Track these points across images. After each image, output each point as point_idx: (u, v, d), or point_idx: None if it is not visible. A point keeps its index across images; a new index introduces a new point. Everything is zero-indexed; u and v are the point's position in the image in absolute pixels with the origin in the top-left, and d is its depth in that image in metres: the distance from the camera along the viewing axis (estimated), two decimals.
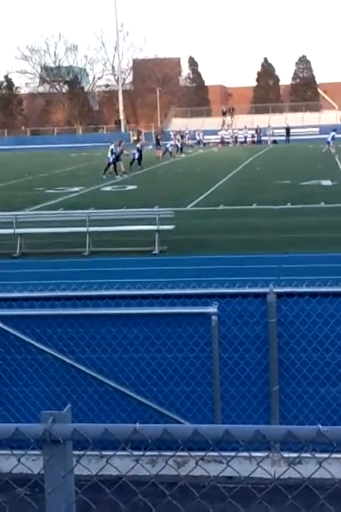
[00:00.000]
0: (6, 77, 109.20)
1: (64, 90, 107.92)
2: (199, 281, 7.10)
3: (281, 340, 6.51)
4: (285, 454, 6.02)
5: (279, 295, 6.47)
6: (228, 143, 75.98)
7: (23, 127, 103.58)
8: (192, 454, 2.98)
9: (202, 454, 2.76)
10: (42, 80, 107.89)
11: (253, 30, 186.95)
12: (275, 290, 6.47)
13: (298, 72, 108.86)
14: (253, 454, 3.53)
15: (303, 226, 20.45)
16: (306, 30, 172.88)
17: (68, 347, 6.70)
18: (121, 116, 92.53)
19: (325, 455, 2.68)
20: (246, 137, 76.87)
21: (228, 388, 6.63)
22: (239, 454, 5.29)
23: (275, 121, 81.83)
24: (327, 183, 32.03)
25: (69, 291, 6.76)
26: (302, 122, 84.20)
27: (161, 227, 17.79)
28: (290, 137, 74.80)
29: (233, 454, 2.71)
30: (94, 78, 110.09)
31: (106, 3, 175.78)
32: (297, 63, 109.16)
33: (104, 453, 2.99)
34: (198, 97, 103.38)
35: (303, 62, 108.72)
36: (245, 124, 79.62)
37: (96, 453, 2.62)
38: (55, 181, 37.95)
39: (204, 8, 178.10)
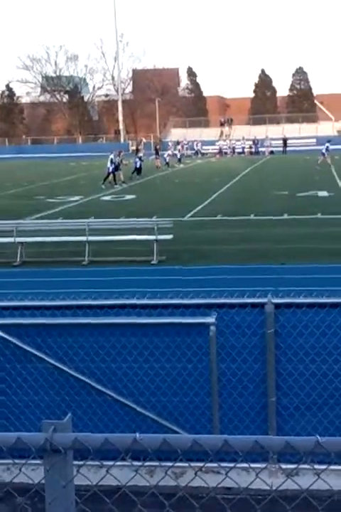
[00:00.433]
0: (7, 86, 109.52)
1: (64, 100, 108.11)
2: (198, 291, 7.13)
3: (279, 351, 6.53)
4: (283, 466, 6.03)
5: (277, 306, 6.48)
6: (226, 153, 76.08)
7: (23, 136, 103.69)
8: (191, 464, 2.99)
9: (200, 464, 2.77)
10: (43, 90, 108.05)
11: (251, 41, 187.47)
12: (274, 301, 6.48)
13: (295, 83, 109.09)
14: (252, 465, 3.54)
15: (300, 237, 20.49)
16: (303, 42, 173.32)
17: (67, 356, 6.71)
18: (121, 126, 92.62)
19: (323, 466, 2.70)
20: (243, 148, 77.02)
21: (226, 399, 6.64)
22: (237, 465, 5.30)
23: (272, 132, 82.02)
24: (324, 194, 32.09)
25: (69, 301, 6.77)
26: (299, 133, 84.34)
27: (160, 237, 17.81)
28: (288, 148, 74.99)
29: (232, 464, 2.73)
30: (94, 88, 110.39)
31: (106, 13, 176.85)
32: (294, 75, 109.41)
33: (104, 463, 3.01)
34: (196, 108, 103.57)
35: (300, 74, 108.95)
36: (243, 134, 79.77)
37: (96, 463, 2.63)
38: (55, 190, 37.97)
39: (202, 20, 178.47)
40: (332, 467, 3.47)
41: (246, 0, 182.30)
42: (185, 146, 74.71)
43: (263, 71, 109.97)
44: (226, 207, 28.11)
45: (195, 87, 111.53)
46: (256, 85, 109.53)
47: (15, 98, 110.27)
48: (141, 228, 18.55)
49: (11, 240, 18.17)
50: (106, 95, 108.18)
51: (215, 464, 4.67)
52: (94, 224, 19.00)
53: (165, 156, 55.41)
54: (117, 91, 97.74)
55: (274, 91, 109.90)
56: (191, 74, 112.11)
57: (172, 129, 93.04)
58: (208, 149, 77.62)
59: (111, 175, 39.36)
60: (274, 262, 16.59)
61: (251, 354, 6.59)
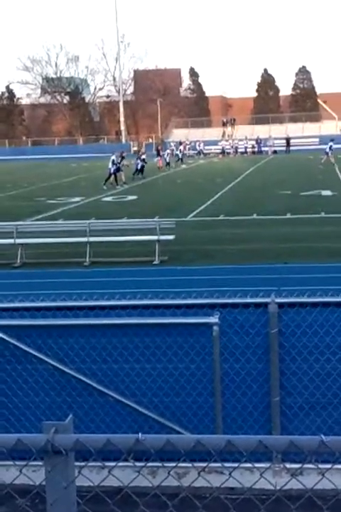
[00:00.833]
0: (7, 87, 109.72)
1: (65, 101, 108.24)
2: (200, 291, 7.10)
3: (282, 351, 6.50)
4: (287, 465, 5.99)
5: (280, 305, 6.46)
6: (228, 153, 76.12)
7: (24, 137, 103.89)
8: (194, 464, 2.96)
9: (203, 464, 2.75)
10: (44, 91, 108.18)
11: (253, 41, 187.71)
12: (277, 300, 6.46)
13: (298, 82, 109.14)
14: (255, 464, 3.51)
15: (304, 236, 20.46)
16: (306, 41, 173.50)
17: (69, 357, 6.69)
18: (122, 127, 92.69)
19: (328, 466, 2.67)
20: (246, 148, 77.06)
21: (229, 399, 6.61)
22: (241, 465, 5.27)
23: (275, 132, 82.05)
24: (327, 193, 32.07)
25: (70, 302, 6.75)
26: (303, 132, 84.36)
27: (162, 238, 17.79)
28: (291, 147, 74.99)
29: (235, 464, 2.71)
30: (95, 89, 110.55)
31: (107, 14, 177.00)
32: (297, 74, 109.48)
33: (106, 464, 2.98)
34: (198, 108, 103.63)
35: (303, 73, 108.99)
36: (245, 134, 79.82)
37: (98, 464, 2.61)
38: (55, 191, 38.00)
39: (204, 20, 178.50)
40: (337, 466, 3.44)
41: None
42: (188, 147, 74.78)
43: (265, 70, 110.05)
44: (228, 207, 28.10)
45: (197, 87, 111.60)
46: (259, 85, 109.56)
47: (15, 99, 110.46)
48: (142, 229, 18.53)
49: (11, 241, 18.15)
50: (108, 96, 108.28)
51: (218, 464, 4.65)
52: (96, 225, 18.99)
53: (165, 156, 55.47)
54: (118, 92, 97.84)
55: (277, 90, 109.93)
56: (193, 74, 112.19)
57: (174, 130, 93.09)
58: (210, 149, 77.67)
59: (113, 176, 39.39)
60: (277, 262, 16.57)
61: (254, 354, 6.57)
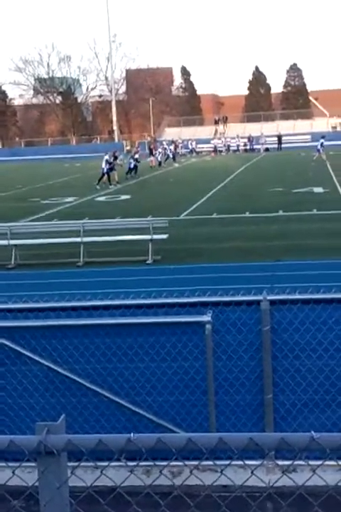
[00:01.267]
0: None
1: (57, 101, 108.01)
2: (193, 289, 7.12)
3: (275, 348, 6.52)
4: (280, 462, 6.02)
5: (272, 302, 6.48)
6: (221, 151, 76.14)
7: (17, 138, 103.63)
8: (187, 463, 2.98)
9: (196, 463, 2.76)
10: (36, 91, 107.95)
11: (245, 39, 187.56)
12: (269, 297, 6.48)
13: (289, 80, 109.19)
14: (248, 462, 3.54)
15: (296, 233, 20.50)
16: (297, 38, 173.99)
17: (63, 358, 6.69)
18: (115, 127, 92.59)
19: (319, 462, 2.69)
20: (238, 145, 77.08)
21: (222, 397, 6.63)
22: (234, 463, 5.29)
23: (267, 129, 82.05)
24: (319, 190, 32.11)
25: (64, 302, 6.75)
26: (294, 130, 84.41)
27: (155, 237, 17.80)
28: (282, 145, 75.03)
29: (227, 462, 2.72)
30: (87, 89, 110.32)
31: (98, 14, 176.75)
32: (288, 71, 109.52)
33: (99, 464, 2.99)
34: (190, 106, 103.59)
35: (294, 70, 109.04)
36: (237, 132, 79.85)
37: (92, 464, 2.63)
38: (49, 192, 37.93)
39: (195, 19, 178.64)
40: (329, 463, 3.46)
41: None
42: (180, 145, 74.74)
43: (257, 68, 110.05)
44: (221, 205, 28.11)
45: (189, 85, 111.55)
46: (250, 82, 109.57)
47: (7, 100, 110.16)
48: (135, 228, 18.54)
49: (5, 242, 18.11)
50: (100, 96, 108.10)
51: (211, 462, 4.67)
52: (89, 225, 18.98)
53: (157, 155, 55.42)
54: (111, 91, 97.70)
55: (268, 88, 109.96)
56: (185, 73, 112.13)
57: (166, 128, 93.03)
58: (203, 148, 77.65)
59: (106, 175, 39.36)
60: (270, 259, 16.60)
61: (247, 352, 6.59)
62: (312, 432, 2.31)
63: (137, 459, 2.55)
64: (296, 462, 5.49)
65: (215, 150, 76.32)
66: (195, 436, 2.40)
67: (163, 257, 17.75)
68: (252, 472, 2.69)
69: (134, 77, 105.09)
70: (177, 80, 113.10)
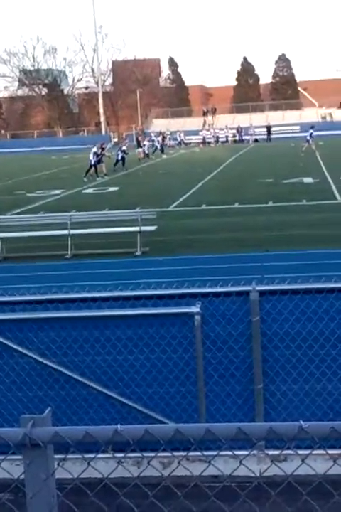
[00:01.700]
0: None
1: (43, 93, 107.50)
2: (182, 281, 7.09)
3: (265, 338, 6.51)
4: (270, 452, 6.02)
5: (262, 293, 6.46)
6: (209, 143, 76.10)
7: (2, 131, 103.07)
8: (176, 454, 2.96)
9: (185, 454, 2.74)
10: (21, 83, 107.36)
11: (233, 29, 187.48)
12: (258, 288, 6.46)
13: (278, 70, 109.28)
14: (238, 452, 3.51)
15: (285, 224, 20.52)
16: (285, 28, 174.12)
17: (50, 350, 6.66)
18: (102, 118, 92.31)
19: (308, 452, 2.67)
20: (227, 137, 77.09)
21: (212, 388, 6.62)
22: (225, 453, 5.27)
23: (256, 120, 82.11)
24: (309, 180, 32.18)
25: (51, 294, 6.71)
26: (283, 120, 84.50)
27: (143, 228, 17.77)
28: (272, 136, 75.10)
29: (215, 452, 2.70)
30: (73, 80, 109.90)
31: (84, 5, 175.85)
32: (277, 62, 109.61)
33: (87, 456, 2.97)
34: (178, 98, 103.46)
35: (283, 61, 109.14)
36: (226, 123, 79.81)
37: (81, 456, 2.61)
38: (35, 184, 37.81)
39: (183, 9, 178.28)
40: (318, 452, 3.45)
41: None
42: (168, 137, 74.65)
43: (245, 59, 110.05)
44: (210, 196, 28.11)
45: (177, 76, 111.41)
46: (239, 73, 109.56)
47: None
48: (124, 220, 18.49)
49: None
50: (86, 87, 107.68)
51: (200, 453, 4.65)
52: (77, 217, 18.90)
53: (144, 146, 55.36)
54: (97, 83, 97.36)
55: (257, 78, 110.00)
56: (172, 64, 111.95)
57: (154, 120, 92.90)
58: (191, 139, 77.60)
59: (93, 168, 39.25)
60: (259, 250, 16.60)
61: (236, 342, 6.57)
62: (301, 422, 2.30)
63: (126, 450, 2.53)
64: (286, 452, 5.49)
65: (204, 141, 76.27)
66: (183, 426, 2.39)
67: (152, 249, 17.72)
68: (241, 462, 2.67)
69: (121, 69, 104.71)
70: (165, 71, 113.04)
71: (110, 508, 2.90)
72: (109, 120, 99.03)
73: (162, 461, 5.97)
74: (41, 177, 43.90)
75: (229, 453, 5.23)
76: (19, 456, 2.63)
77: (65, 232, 17.88)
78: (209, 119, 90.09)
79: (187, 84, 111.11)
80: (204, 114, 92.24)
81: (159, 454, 2.68)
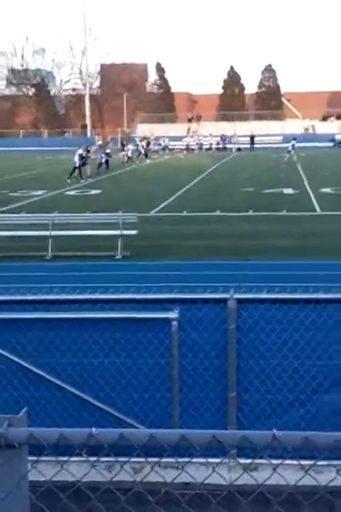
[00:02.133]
0: None
1: (30, 93, 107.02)
2: (161, 286, 7.11)
3: (240, 347, 6.54)
4: (242, 461, 6.04)
5: (240, 301, 6.49)
6: (193, 150, 76.18)
7: None
8: (149, 459, 2.97)
9: (158, 460, 2.75)
10: (9, 83, 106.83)
11: (220, 38, 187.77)
12: (236, 296, 6.48)
13: (264, 80, 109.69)
14: (210, 460, 3.54)
15: (265, 233, 20.62)
16: (272, 39, 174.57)
17: (26, 351, 6.63)
18: (88, 121, 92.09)
19: (280, 461, 2.70)
20: (211, 144, 77.23)
21: (186, 394, 6.63)
22: (197, 460, 5.29)
23: (240, 129, 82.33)
24: (289, 191, 32.35)
25: (30, 295, 6.68)
26: (267, 130, 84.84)
27: (124, 232, 17.77)
28: (255, 145, 75.36)
29: (188, 459, 2.72)
30: (61, 82, 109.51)
31: (74, 7, 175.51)
32: (262, 72, 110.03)
33: (60, 459, 2.97)
34: (164, 103, 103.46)
35: (269, 71, 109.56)
36: (210, 131, 79.92)
37: (53, 459, 2.61)
38: (18, 184, 37.62)
39: (172, 15, 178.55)
40: (290, 462, 3.47)
41: None
42: (153, 142, 74.62)
43: (231, 68, 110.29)
44: (192, 203, 28.15)
45: (163, 82, 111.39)
46: (225, 82, 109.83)
47: None
48: (105, 223, 18.47)
49: None
50: (74, 89, 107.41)
51: (173, 459, 4.65)
52: (58, 219, 18.85)
53: (127, 151, 55.32)
54: (85, 85, 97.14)
55: (242, 88, 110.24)
56: (159, 69, 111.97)
57: (139, 125, 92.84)
58: (175, 145, 77.64)
59: (77, 170, 39.17)
60: (239, 258, 16.66)
61: (213, 349, 6.59)
62: (275, 431, 2.32)
63: (99, 454, 2.54)
64: (257, 461, 5.52)
65: (188, 148, 76.32)
66: (157, 432, 2.40)
67: (133, 253, 17.72)
68: (214, 469, 2.70)
69: (109, 72, 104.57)
70: (152, 76, 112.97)
71: (82, 511, 2.91)
72: (95, 123, 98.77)
73: (134, 466, 5.97)
74: (25, 177, 43.69)
75: (201, 460, 5.26)
76: None
77: (47, 233, 17.82)
78: (193, 126, 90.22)
79: (173, 90, 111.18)
80: (189, 120, 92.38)
81: (132, 459, 2.69)
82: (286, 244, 18.73)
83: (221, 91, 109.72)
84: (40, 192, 33.54)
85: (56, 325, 6.63)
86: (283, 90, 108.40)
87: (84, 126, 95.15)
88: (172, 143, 77.69)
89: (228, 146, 76.60)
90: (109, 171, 43.82)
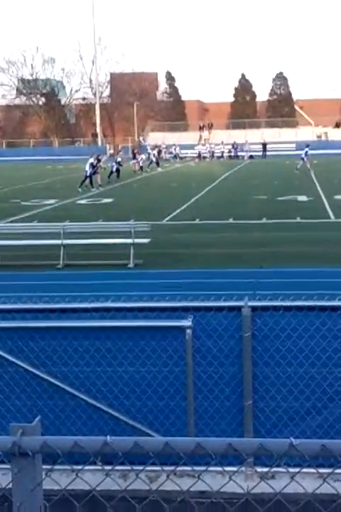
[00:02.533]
0: None
1: (40, 102, 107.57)
2: (174, 294, 7.07)
3: (255, 354, 6.49)
4: (259, 469, 5.99)
5: (254, 309, 6.44)
6: (205, 157, 76.26)
7: None
8: (165, 468, 2.94)
9: (173, 468, 2.72)
10: (19, 92, 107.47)
11: (231, 46, 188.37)
12: (250, 304, 6.45)
13: (275, 88, 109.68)
14: (227, 468, 3.49)
15: (279, 241, 20.55)
16: (283, 47, 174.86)
17: (39, 360, 6.61)
18: (98, 130, 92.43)
19: (297, 469, 2.65)
20: (223, 152, 77.28)
21: (202, 402, 6.59)
22: (213, 469, 5.25)
23: (252, 137, 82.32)
24: (303, 198, 32.27)
25: (42, 304, 6.67)
26: (279, 138, 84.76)
27: (136, 241, 17.76)
28: (267, 152, 75.33)
29: (204, 468, 2.68)
30: (71, 91, 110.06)
31: (84, 16, 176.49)
32: (274, 80, 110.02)
33: (75, 467, 2.95)
34: (175, 112, 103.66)
35: (280, 79, 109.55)
36: (222, 139, 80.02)
37: (68, 467, 2.58)
38: (30, 193, 37.77)
39: (182, 24, 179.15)
40: (307, 470, 3.43)
41: (227, 4, 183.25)
42: (164, 150, 74.76)
43: (243, 76, 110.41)
44: (204, 211, 28.14)
45: (174, 91, 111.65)
46: (236, 90, 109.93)
47: None
48: (117, 232, 18.47)
49: None
50: (84, 98, 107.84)
51: (189, 468, 4.63)
52: (70, 227, 18.88)
53: (139, 160, 55.46)
54: (95, 94, 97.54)
55: (254, 95, 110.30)
56: (170, 78, 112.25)
57: (150, 133, 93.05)
58: (187, 153, 77.76)
59: (89, 178, 39.28)
60: (253, 266, 16.61)
61: (227, 357, 6.55)
62: (292, 439, 2.28)
63: (113, 462, 2.51)
64: (275, 469, 5.46)
65: (199, 156, 76.43)
66: (173, 440, 2.36)
67: (145, 262, 17.70)
68: (230, 478, 2.65)
69: (119, 81, 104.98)
70: (162, 85, 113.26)
71: None
72: (105, 132, 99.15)
73: (149, 475, 5.93)
74: (36, 186, 43.87)
75: (217, 469, 5.21)
76: (6, 466, 2.60)
77: (58, 242, 17.84)
78: (205, 134, 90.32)
79: (184, 98, 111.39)
80: (201, 128, 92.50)
81: (147, 468, 2.66)
82: (300, 251, 18.65)
83: (232, 99, 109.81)
84: (51, 201, 33.65)
85: (69, 333, 6.61)
86: (295, 97, 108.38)
87: (95, 135, 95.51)
88: (183, 151, 77.86)
89: (240, 153, 76.63)
90: (120, 180, 43.90)
